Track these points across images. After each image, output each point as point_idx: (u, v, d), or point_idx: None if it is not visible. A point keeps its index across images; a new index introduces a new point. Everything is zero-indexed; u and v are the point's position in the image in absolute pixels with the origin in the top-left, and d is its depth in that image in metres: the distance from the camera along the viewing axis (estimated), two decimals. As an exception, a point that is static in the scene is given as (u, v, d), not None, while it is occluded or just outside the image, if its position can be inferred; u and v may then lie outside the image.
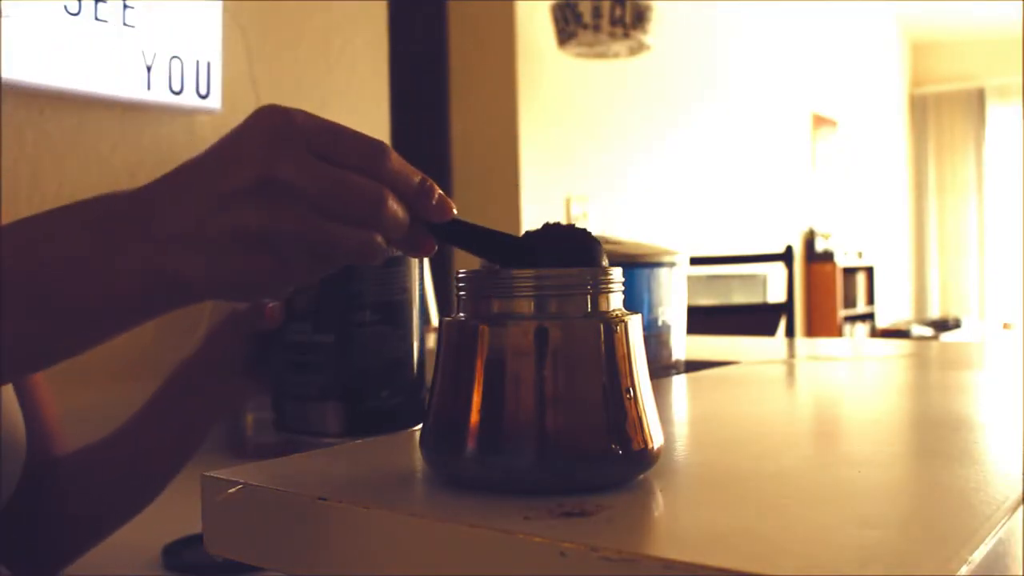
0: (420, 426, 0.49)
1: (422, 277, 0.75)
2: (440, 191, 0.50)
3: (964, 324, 6.70)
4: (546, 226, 0.51)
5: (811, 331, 5.40)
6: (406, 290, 0.72)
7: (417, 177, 0.49)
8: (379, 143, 0.48)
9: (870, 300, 6.10)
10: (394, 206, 0.48)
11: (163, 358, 1.49)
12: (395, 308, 0.71)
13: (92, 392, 1.39)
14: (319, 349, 0.69)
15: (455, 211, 0.50)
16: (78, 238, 0.50)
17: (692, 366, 0.99)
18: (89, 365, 1.40)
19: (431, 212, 0.49)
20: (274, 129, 0.47)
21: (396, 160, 0.48)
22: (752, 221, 4.70)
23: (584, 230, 0.51)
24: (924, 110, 7.43)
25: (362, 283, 0.70)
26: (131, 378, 1.45)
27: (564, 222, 0.52)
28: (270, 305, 0.72)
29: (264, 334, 0.73)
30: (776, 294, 4.45)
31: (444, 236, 0.51)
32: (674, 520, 0.43)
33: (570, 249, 0.50)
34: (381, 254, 0.49)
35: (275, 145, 0.47)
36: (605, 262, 0.50)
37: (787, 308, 2.10)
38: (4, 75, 1.24)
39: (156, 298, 0.50)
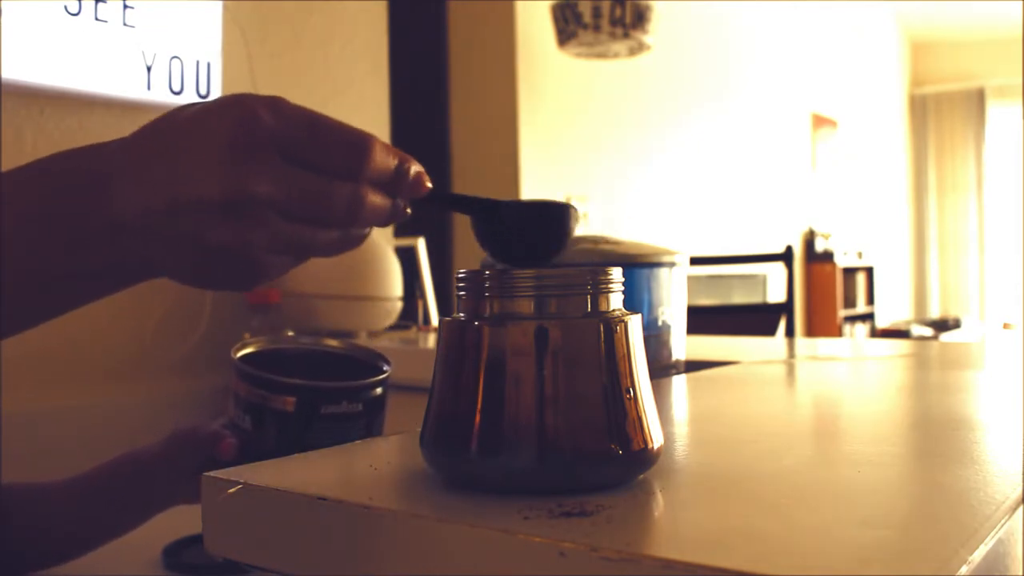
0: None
1: (381, 421, 0.78)
2: (416, 168, 0.49)
3: (964, 324, 6.70)
4: (526, 201, 0.52)
5: (811, 331, 5.40)
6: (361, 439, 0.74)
7: (395, 162, 0.48)
8: (358, 141, 0.46)
9: (870, 300, 6.10)
10: (372, 202, 0.47)
11: (162, 358, 1.49)
12: None
13: (92, 392, 1.39)
14: None
15: (429, 184, 0.50)
16: (40, 209, 0.48)
17: (692, 366, 0.99)
18: (89, 365, 1.40)
19: (408, 193, 0.49)
20: (243, 136, 0.44)
21: (377, 154, 0.46)
22: (752, 221, 4.70)
23: (560, 204, 0.51)
24: (924, 110, 7.43)
25: (318, 435, 0.73)
26: (130, 378, 1.45)
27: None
28: (227, 440, 0.76)
29: (216, 462, 0.75)
30: (776, 294, 4.45)
31: (422, 205, 0.51)
32: (674, 520, 0.43)
33: (538, 214, 0.51)
34: (360, 242, 0.49)
35: (245, 158, 0.43)
36: (574, 226, 0.51)
37: (787, 308, 2.10)
38: (4, 75, 1.24)
39: (122, 273, 0.50)
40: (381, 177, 0.47)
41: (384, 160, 0.47)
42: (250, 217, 0.44)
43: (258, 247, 0.45)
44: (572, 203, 0.53)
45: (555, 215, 0.51)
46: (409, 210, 0.50)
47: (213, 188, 0.44)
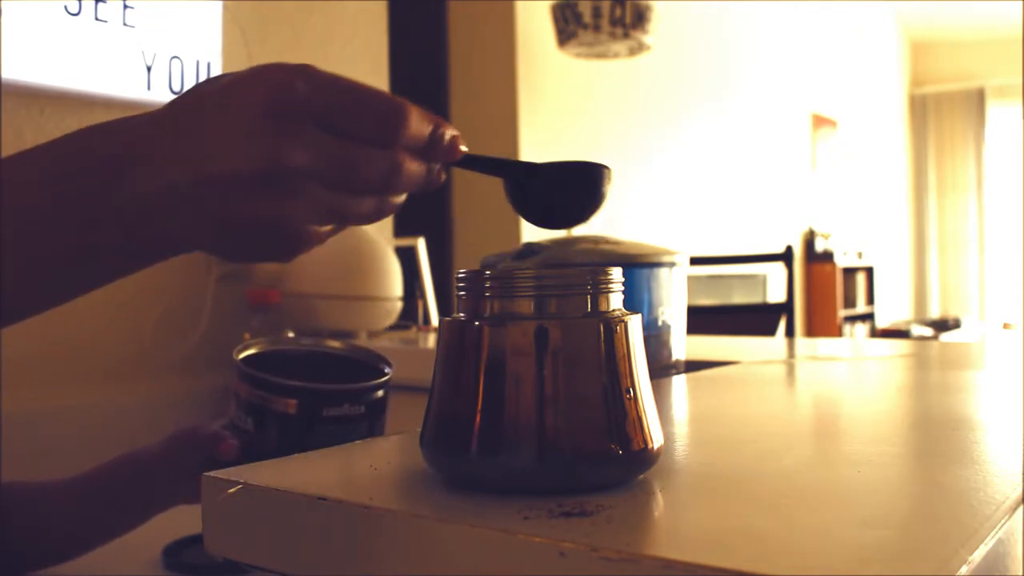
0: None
1: (383, 423, 0.78)
2: (451, 132, 0.48)
3: (964, 324, 6.70)
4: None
5: (811, 331, 5.40)
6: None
7: (430, 128, 0.47)
8: (394, 107, 0.45)
9: (870, 300, 6.10)
10: (409, 169, 0.47)
11: (162, 358, 1.49)
12: None
13: (92, 392, 1.39)
14: None
15: (464, 148, 0.50)
16: (55, 181, 0.46)
17: (692, 366, 0.99)
18: (89, 365, 1.40)
19: (443, 157, 0.49)
20: (277, 106, 0.43)
21: (413, 120, 0.46)
22: (752, 221, 4.70)
23: (595, 165, 0.51)
24: (924, 110, 7.43)
25: (319, 437, 0.73)
26: (130, 378, 1.45)
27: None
28: (228, 441, 0.76)
29: (217, 463, 0.75)
30: (776, 294, 4.45)
31: (457, 166, 0.51)
32: (674, 520, 0.43)
33: (574, 176, 0.51)
34: (396, 208, 0.49)
35: (280, 128, 0.43)
36: (608, 187, 0.51)
37: (787, 308, 2.11)
38: (4, 75, 1.24)
39: (132, 254, 0.48)
40: (417, 143, 0.47)
41: (419, 126, 0.47)
42: (286, 188, 0.44)
43: (294, 218, 0.45)
44: (606, 164, 0.53)
45: (590, 177, 0.51)
46: (444, 175, 0.50)
47: (247, 161, 0.43)
